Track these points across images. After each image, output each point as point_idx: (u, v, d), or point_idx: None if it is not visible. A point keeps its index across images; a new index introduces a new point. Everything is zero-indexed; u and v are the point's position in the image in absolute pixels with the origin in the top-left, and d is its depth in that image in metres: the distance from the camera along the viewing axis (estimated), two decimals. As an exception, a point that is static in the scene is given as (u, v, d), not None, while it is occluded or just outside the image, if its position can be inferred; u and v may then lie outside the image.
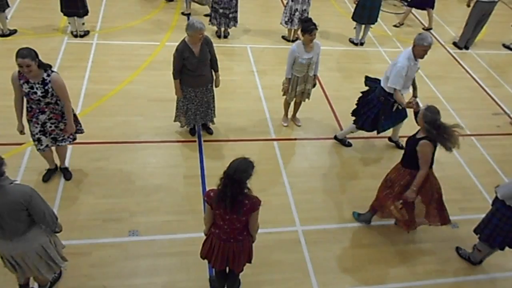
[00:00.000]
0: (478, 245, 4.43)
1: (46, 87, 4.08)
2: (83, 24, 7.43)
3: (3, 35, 7.23)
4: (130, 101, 6.20)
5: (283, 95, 5.79)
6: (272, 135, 5.97)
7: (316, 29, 5.17)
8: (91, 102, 5.96)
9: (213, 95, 5.45)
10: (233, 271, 3.66)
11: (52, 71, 4.11)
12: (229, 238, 3.32)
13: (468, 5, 8.54)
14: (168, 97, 6.33)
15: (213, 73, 5.29)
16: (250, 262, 3.61)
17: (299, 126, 6.14)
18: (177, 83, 5.12)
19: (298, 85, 5.60)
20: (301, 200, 5.06)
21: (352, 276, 4.33)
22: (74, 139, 4.68)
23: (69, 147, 5.30)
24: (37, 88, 4.06)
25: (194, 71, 5.01)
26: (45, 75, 4.06)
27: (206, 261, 3.62)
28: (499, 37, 9.43)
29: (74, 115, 4.55)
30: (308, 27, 5.15)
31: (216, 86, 5.42)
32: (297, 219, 4.85)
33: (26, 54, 3.81)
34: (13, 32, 7.36)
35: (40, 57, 4.02)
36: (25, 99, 4.24)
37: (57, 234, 3.54)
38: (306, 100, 5.91)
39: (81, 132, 4.75)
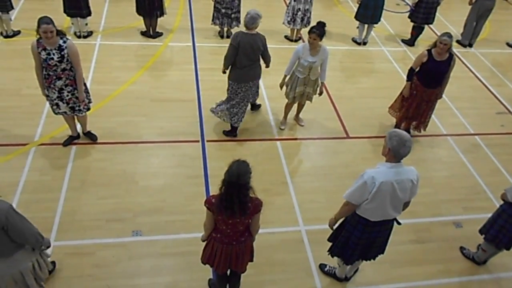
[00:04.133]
0: (483, 245, 4.41)
1: (62, 53, 4.49)
2: (86, 24, 7.45)
3: (7, 36, 7.26)
4: (133, 101, 6.22)
5: (285, 93, 5.78)
6: (275, 135, 5.97)
7: (315, 33, 5.10)
8: (94, 102, 5.94)
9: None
10: (235, 272, 3.66)
11: (67, 39, 4.54)
12: (231, 241, 3.30)
13: (470, 3, 8.53)
14: (171, 98, 6.36)
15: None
16: (252, 260, 3.61)
17: (302, 126, 6.14)
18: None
19: (298, 86, 5.56)
20: (304, 200, 5.06)
21: (355, 276, 4.32)
22: (88, 109, 5.12)
23: (73, 147, 5.33)
24: (53, 54, 4.47)
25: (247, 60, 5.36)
26: (61, 41, 4.49)
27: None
28: (503, 36, 9.39)
29: (85, 85, 4.94)
30: (312, 28, 5.18)
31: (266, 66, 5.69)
32: (300, 219, 4.85)
33: (50, 21, 4.33)
34: (16, 33, 7.39)
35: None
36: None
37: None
38: (307, 102, 5.90)
39: (90, 102, 5.14)
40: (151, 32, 7.72)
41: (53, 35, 4.36)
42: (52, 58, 4.48)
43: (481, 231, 4.33)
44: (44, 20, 4.33)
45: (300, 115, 6.17)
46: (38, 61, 4.58)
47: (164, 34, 7.91)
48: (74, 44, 4.59)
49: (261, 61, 5.43)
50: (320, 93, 5.71)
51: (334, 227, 3.80)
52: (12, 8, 7.10)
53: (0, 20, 7.10)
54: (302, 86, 5.58)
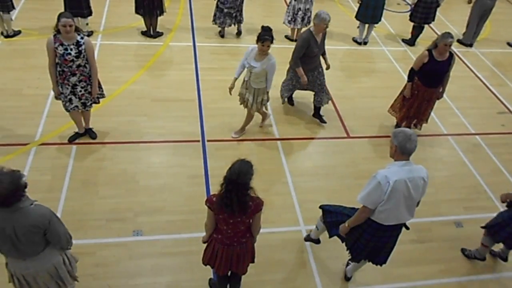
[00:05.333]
0: (484, 240, 4.38)
1: (80, 48, 4.58)
2: (87, 24, 7.45)
3: (8, 36, 7.26)
4: (133, 101, 6.22)
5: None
6: (275, 135, 5.97)
7: (269, 40, 4.87)
8: (95, 102, 5.99)
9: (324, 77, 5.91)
10: (236, 274, 3.65)
11: (84, 35, 4.67)
12: (232, 242, 3.30)
13: (469, 2, 8.52)
14: (172, 97, 6.36)
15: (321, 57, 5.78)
16: (253, 261, 3.61)
17: (260, 127, 6.00)
18: (301, 70, 5.57)
19: (241, 87, 5.44)
20: (304, 200, 5.06)
21: (356, 276, 4.32)
22: (98, 102, 5.22)
23: (73, 147, 5.34)
24: (71, 49, 4.54)
25: (312, 58, 5.56)
26: (79, 37, 4.58)
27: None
28: (504, 36, 9.39)
29: (98, 80, 5.01)
30: (260, 35, 4.88)
31: (327, 68, 5.92)
32: (301, 218, 4.85)
33: (69, 16, 4.44)
34: (17, 33, 7.39)
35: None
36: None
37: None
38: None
39: (103, 97, 5.23)
40: (151, 32, 7.72)
41: (71, 29, 4.44)
42: (70, 54, 4.53)
43: (489, 233, 4.29)
44: (64, 14, 4.43)
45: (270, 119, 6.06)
46: (52, 58, 4.61)
47: (164, 33, 7.91)
48: (90, 40, 4.70)
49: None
50: (261, 103, 5.47)
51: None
52: (14, 8, 7.11)
53: (1, 20, 7.10)
54: (244, 89, 5.42)
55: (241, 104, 5.63)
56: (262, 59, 5.05)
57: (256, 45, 5.00)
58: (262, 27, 4.99)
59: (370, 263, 3.91)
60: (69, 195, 4.76)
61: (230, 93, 5.37)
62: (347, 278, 4.25)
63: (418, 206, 3.57)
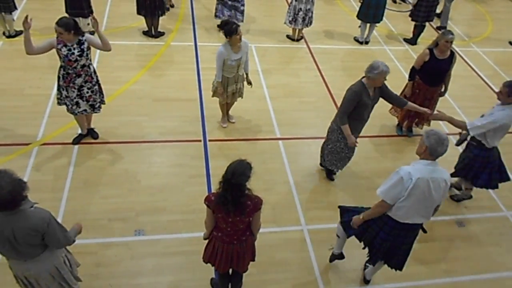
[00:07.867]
0: (466, 184, 4.82)
1: (82, 47, 4.65)
2: (88, 24, 7.44)
3: (10, 36, 7.28)
4: (135, 101, 6.22)
5: (212, 96, 5.68)
6: (277, 134, 5.97)
7: (239, 26, 5.05)
8: (96, 102, 5.99)
9: None
10: (237, 272, 3.66)
11: (85, 33, 4.74)
12: (232, 240, 3.31)
13: None
14: (173, 97, 6.37)
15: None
16: (253, 260, 3.61)
17: (233, 122, 6.01)
18: (347, 129, 4.56)
19: (229, 86, 5.47)
20: (306, 199, 5.06)
21: (357, 275, 4.31)
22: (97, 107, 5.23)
23: (75, 147, 5.35)
24: (74, 49, 4.62)
25: (363, 115, 4.63)
26: (80, 36, 4.64)
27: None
28: (506, 35, 9.37)
29: (98, 84, 5.08)
30: (231, 28, 4.97)
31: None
32: (303, 218, 4.85)
33: (61, 24, 4.45)
34: (19, 33, 7.39)
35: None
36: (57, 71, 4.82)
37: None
38: (239, 99, 5.80)
39: (103, 103, 5.28)
40: (153, 32, 7.73)
41: (63, 37, 4.49)
42: (73, 53, 4.60)
43: (459, 174, 4.74)
44: (57, 22, 4.45)
45: (230, 112, 6.02)
46: (45, 47, 4.59)
47: (166, 33, 7.92)
48: (90, 35, 4.77)
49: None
50: (249, 83, 5.65)
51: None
52: (16, 8, 7.14)
53: (3, 20, 7.12)
54: (233, 85, 5.49)
55: (231, 100, 5.73)
56: (240, 48, 5.22)
57: (224, 44, 5.13)
58: (221, 24, 5.07)
59: (386, 265, 3.89)
60: (70, 195, 4.77)
61: (223, 97, 5.54)
62: (366, 281, 4.22)
63: (438, 210, 3.55)
